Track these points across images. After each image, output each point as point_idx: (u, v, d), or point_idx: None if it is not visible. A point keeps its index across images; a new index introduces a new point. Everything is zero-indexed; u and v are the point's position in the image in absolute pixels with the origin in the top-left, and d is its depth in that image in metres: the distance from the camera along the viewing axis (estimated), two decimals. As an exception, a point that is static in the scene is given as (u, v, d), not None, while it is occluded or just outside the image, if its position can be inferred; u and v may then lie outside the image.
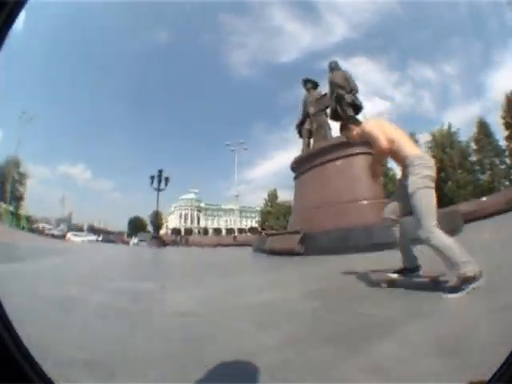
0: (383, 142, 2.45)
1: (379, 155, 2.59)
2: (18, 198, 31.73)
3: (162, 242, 21.60)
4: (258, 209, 57.68)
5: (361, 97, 8.78)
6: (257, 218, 61.26)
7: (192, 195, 78.65)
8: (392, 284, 2.57)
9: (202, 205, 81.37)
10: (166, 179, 25.09)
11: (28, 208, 32.17)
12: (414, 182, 2.29)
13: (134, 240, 30.73)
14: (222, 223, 79.52)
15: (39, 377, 0.72)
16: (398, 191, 2.64)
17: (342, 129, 3.01)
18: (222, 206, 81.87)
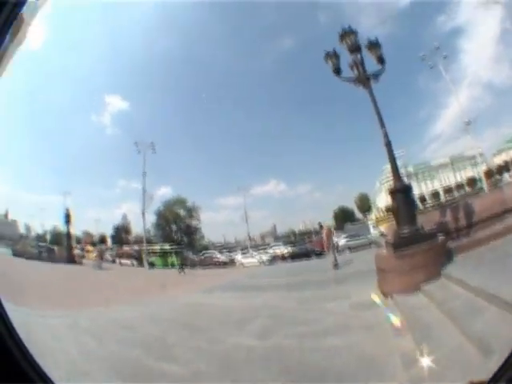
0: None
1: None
2: (190, 233, 30.03)
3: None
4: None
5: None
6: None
7: (397, 162, 55.73)
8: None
9: (410, 169, 57.00)
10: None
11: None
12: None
13: (341, 240, 18.12)
14: (437, 184, 55.04)
15: (39, 377, 0.73)
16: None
17: None
18: (432, 164, 55.16)
